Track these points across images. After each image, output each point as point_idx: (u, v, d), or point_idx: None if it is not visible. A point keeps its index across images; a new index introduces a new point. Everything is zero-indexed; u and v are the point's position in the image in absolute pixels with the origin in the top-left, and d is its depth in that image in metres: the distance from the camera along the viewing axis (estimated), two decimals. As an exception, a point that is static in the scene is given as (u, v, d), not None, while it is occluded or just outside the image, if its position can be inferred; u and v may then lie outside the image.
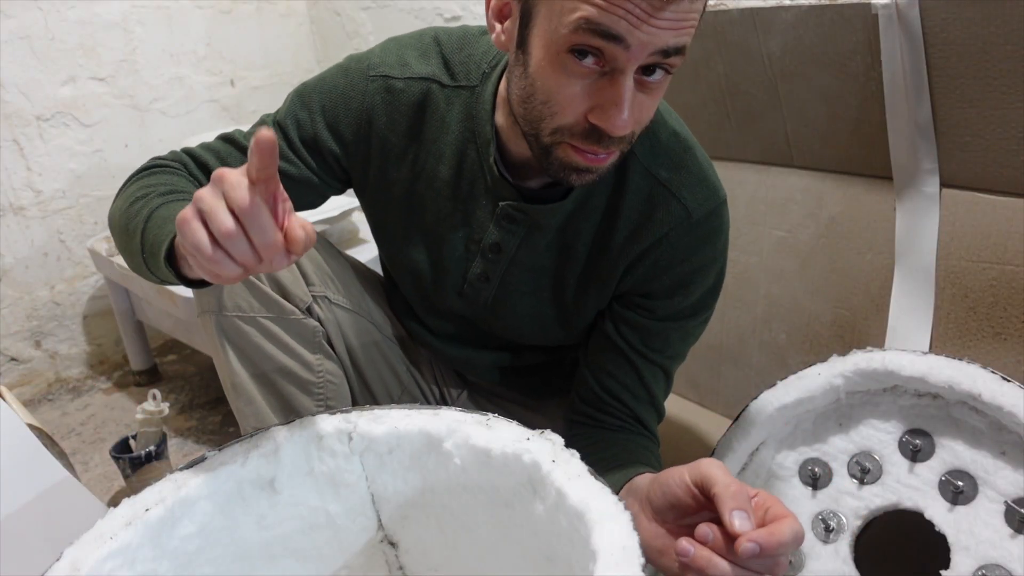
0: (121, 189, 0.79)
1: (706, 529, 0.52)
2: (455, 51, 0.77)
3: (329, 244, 0.90)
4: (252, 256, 0.50)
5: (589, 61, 0.57)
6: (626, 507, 0.55)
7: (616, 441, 0.79)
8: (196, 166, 0.80)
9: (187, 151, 0.82)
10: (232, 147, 0.81)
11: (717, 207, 0.75)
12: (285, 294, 0.80)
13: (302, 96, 0.80)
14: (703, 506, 0.56)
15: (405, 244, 0.83)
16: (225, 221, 0.48)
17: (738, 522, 0.50)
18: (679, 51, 0.57)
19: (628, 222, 0.75)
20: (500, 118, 0.73)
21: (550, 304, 0.82)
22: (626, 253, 0.76)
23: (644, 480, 0.64)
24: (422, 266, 0.83)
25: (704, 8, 0.59)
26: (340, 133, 0.79)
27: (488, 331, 0.88)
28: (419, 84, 0.76)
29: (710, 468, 0.55)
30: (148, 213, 0.68)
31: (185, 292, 1.35)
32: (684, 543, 0.52)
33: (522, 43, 0.61)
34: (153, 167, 0.79)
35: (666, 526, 0.59)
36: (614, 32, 0.54)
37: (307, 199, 0.84)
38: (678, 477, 0.57)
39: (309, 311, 0.81)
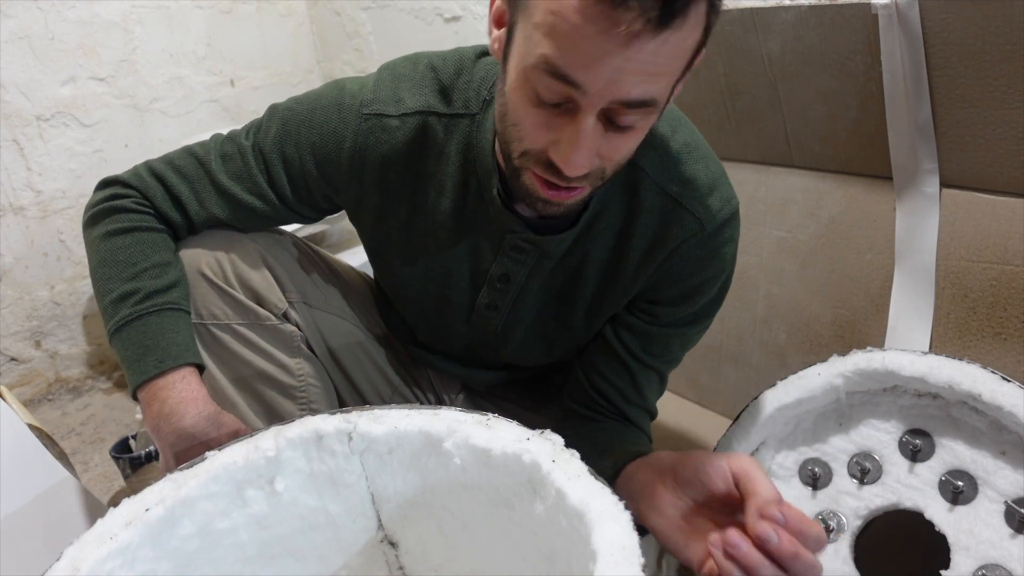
0: (88, 230, 0.77)
1: (737, 539, 0.53)
2: (452, 77, 0.74)
3: (310, 249, 0.89)
4: None
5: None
6: (631, 480, 0.61)
7: (608, 429, 0.80)
8: (168, 197, 0.76)
9: (155, 173, 0.77)
10: (203, 171, 0.77)
11: (730, 217, 0.74)
12: (260, 301, 0.79)
13: (287, 125, 0.75)
14: (729, 497, 0.58)
15: (407, 275, 0.81)
16: None
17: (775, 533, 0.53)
18: (644, 104, 0.55)
19: (642, 240, 0.73)
20: (501, 146, 0.70)
21: (558, 325, 0.81)
22: (643, 270, 0.75)
23: (668, 455, 0.66)
24: (425, 297, 0.82)
25: (689, 62, 0.56)
26: (330, 173, 0.76)
27: (493, 355, 0.87)
28: (414, 119, 0.73)
29: (752, 467, 0.57)
30: (120, 321, 0.72)
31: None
32: (735, 535, 0.54)
33: (505, 58, 0.60)
34: (116, 210, 0.75)
35: (687, 504, 0.61)
36: (571, 78, 0.53)
37: (283, 226, 0.84)
38: (717, 462, 0.59)
39: (286, 316, 0.81)
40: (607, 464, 0.72)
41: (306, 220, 0.84)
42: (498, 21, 0.62)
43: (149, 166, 0.78)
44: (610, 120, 0.56)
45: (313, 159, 0.75)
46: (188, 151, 0.79)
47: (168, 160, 0.78)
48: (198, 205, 0.77)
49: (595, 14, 0.49)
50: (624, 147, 0.60)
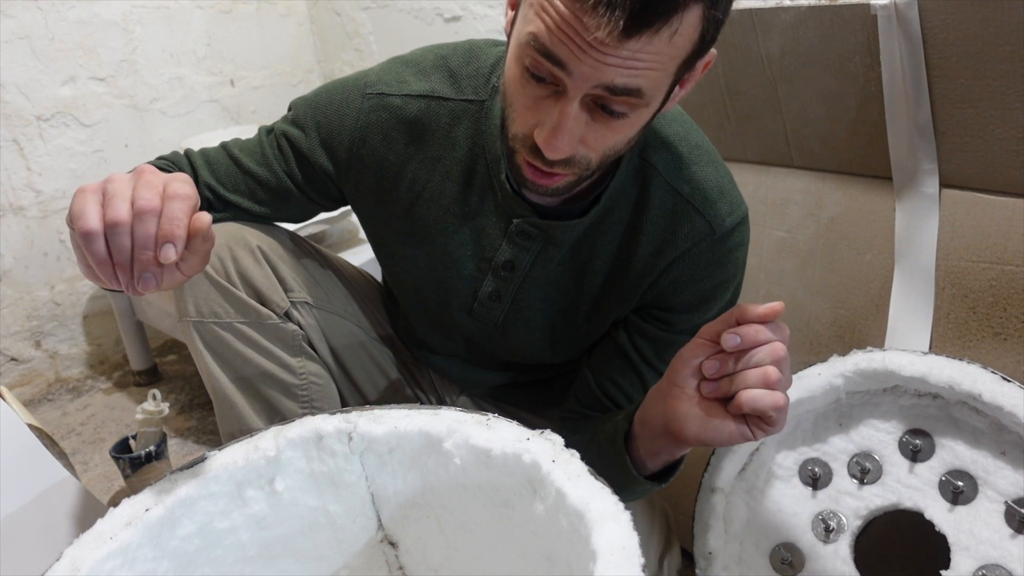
0: None
1: (712, 361, 0.59)
2: (462, 64, 0.75)
3: (313, 248, 0.89)
4: (125, 253, 0.50)
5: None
6: (644, 422, 0.65)
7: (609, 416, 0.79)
8: (195, 178, 0.80)
9: (189, 154, 0.82)
10: (229, 157, 0.81)
11: (740, 222, 0.74)
12: (262, 300, 0.79)
13: (297, 109, 0.80)
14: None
15: (409, 263, 0.81)
16: (121, 207, 0.50)
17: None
18: (630, 92, 0.54)
19: (651, 238, 0.73)
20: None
21: (563, 320, 0.80)
22: (649, 270, 0.74)
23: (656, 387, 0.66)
24: (427, 286, 0.82)
25: (685, 63, 0.56)
26: (334, 150, 0.78)
27: (495, 350, 0.87)
28: (417, 101, 0.75)
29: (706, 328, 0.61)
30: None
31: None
32: (708, 361, 0.59)
33: (510, 38, 0.62)
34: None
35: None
36: (556, 56, 0.54)
37: (289, 212, 0.84)
38: (687, 347, 0.62)
39: (288, 316, 0.81)
40: (619, 420, 0.71)
41: (322, 207, 0.85)
42: (512, 2, 0.63)
43: (185, 152, 0.83)
44: (600, 107, 0.57)
45: (318, 137, 0.78)
46: (220, 144, 0.84)
47: (201, 151, 0.83)
48: (223, 188, 0.81)
49: (573, 9, 0.51)
50: (612, 138, 0.60)
